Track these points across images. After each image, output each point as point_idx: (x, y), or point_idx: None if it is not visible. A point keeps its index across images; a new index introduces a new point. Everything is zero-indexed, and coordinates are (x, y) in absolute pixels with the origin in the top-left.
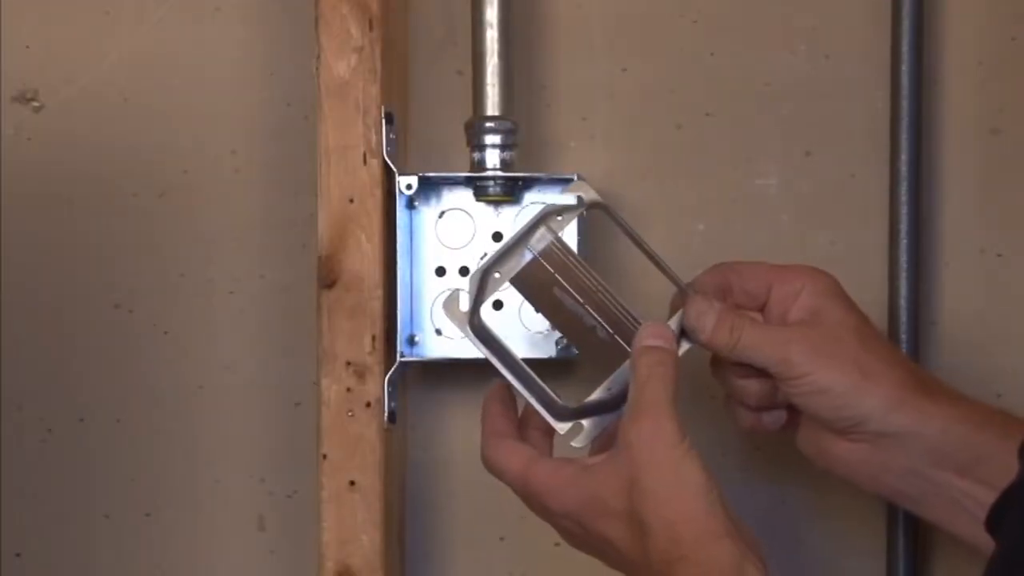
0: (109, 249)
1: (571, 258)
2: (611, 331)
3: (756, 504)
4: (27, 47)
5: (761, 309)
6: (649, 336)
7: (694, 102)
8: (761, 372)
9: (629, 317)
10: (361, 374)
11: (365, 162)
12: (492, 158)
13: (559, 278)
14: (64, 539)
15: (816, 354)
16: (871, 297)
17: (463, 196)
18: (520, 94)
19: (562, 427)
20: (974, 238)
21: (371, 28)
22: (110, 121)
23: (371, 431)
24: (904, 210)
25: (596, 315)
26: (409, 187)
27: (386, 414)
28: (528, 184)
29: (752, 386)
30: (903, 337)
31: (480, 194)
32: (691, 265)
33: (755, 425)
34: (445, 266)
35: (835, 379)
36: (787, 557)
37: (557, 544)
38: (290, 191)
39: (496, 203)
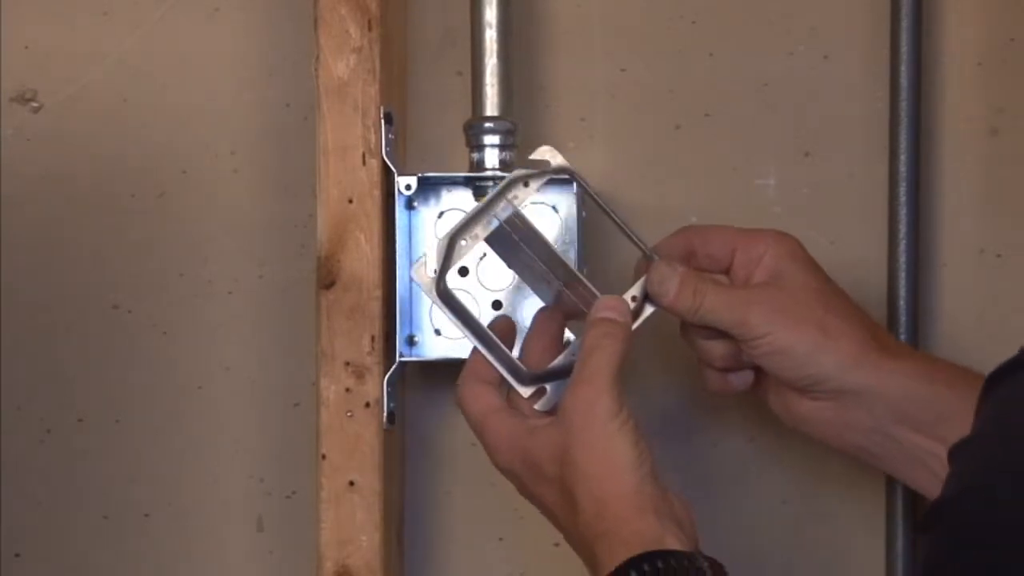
0: (108, 249)
1: (532, 229)
2: (575, 299)
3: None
4: (27, 47)
5: (726, 272)
6: (603, 308)
7: (693, 102)
8: (725, 334)
9: (589, 289)
10: (360, 374)
11: (364, 162)
12: (491, 158)
13: (524, 246)
14: (63, 539)
15: (776, 315)
16: (871, 297)
17: (462, 196)
18: (519, 94)
19: (526, 391)
20: (974, 238)
21: (370, 28)
22: (109, 121)
23: (370, 431)
24: (904, 210)
25: (561, 282)
26: (408, 187)
27: (385, 414)
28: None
29: (718, 348)
30: (903, 337)
31: (479, 194)
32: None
33: (723, 387)
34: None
35: (794, 339)
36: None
37: (557, 544)
38: (289, 191)
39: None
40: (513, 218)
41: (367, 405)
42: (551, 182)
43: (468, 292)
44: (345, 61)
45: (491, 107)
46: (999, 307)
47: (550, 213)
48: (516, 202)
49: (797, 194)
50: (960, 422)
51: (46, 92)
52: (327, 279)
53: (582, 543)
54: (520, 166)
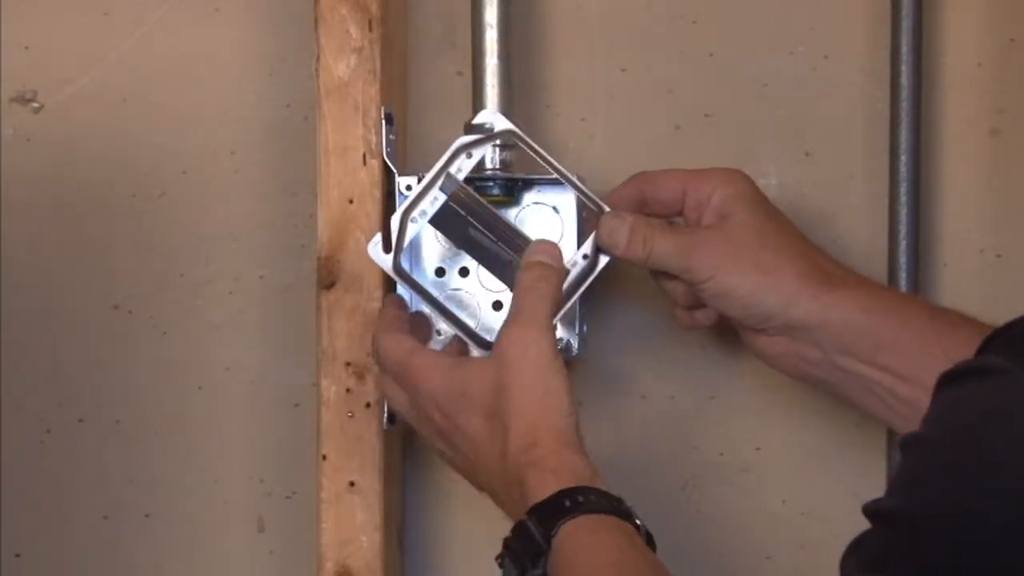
0: (108, 249)
1: (480, 202)
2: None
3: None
4: (27, 47)
5: (680, 214)
6: (537, 252)
7: (693, 103)
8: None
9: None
10: (361, 375)
11: (365, 163)
12: (491, 158)
13: (471, 219)
14: (64, 539)
15: (718, 259)
16: None
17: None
18: (520, 94)
19: (485, 355)
20: (974, 238)
21: (370, 29)
22: (109, 121)
23: (371, 432)
24: (904, 210)
25: (508, 249)
26: (409, 188)
27: (386, 415)
28: (527, 184)
29: (679, 288)
30: None
31: (480, 194)
32: None
33: (691, 323)
34: (445, 267)
35: (736, 281)
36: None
37: None
38: (290, 191)
39: (496, 203)
40: (459, 192)
41: (368, 405)
42: (552, 183)
43: (469, 292)
44: (346, 61)
45: (491, 107)
46: (999, 307)
47: (550, 213)
48: (460, 175)
49: (797, 194)
50: (900, 352)
51: (46, 92)
52: (328, 279)
53: (506, 474)
54: (520, 166)
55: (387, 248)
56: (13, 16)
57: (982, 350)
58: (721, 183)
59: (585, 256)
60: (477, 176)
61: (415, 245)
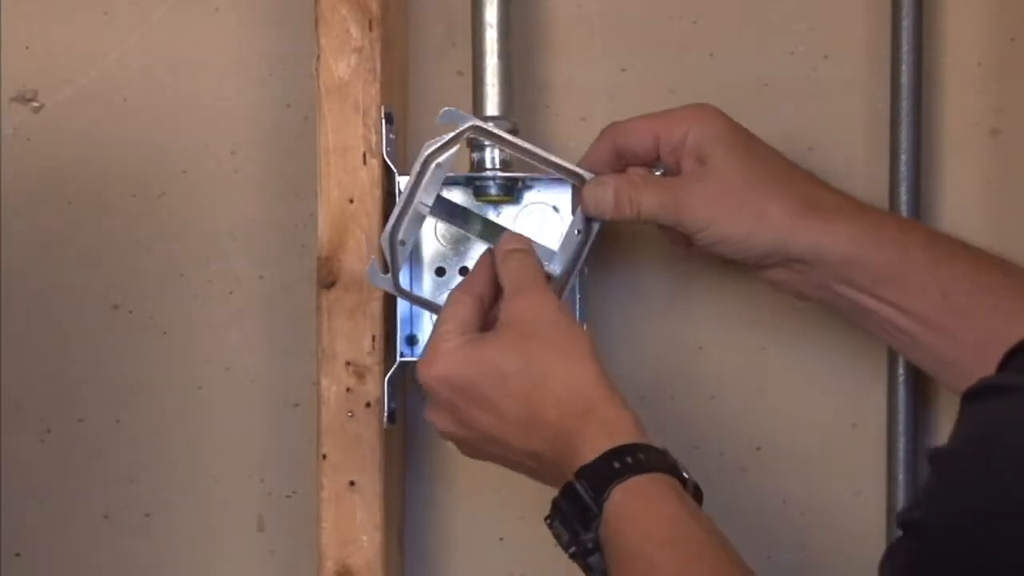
0: (108, 249)
1: (458, 207)
2: None
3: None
4: (27, 47)
5: (657, 161)
6: (507, 243)
7: (694, 102)
8: None
9: None
10: (361, 374)
11: (365, 162)
12: (491, 158)
13: (457, 226)
14: (64, 539)
15: (707, 209)
16: None
17: (463, 196)
18: (520, 94)
19: None
20: (974, 238)
21: (371, 28)
22: (110, 121)
23: (371, 431)
24: (904, 210)
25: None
26: None
27: (386, 414)
28: (528, 184)
29: (673, 231)
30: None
31: (480, 194)
32: (691, 265)
33: (690, 252)
34: (445, 266)
35: (729, 228)
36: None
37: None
38: (290, 191)
39: (496, 203)
40: (438, 206)
41: (368, 405)
42: (552, 182)
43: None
44: (346, 61)
45: (491, 107)
46: None
47: (550, 213)
48: (436, 186)
49: None
50: (897, 284)
51: (46, 92)
52: (328, 279)
53: (552, 427)
54: (520, 166)
55: (384, 269)
56: (13, 16)
57: (1003, 366)
58: (693, 123)
59: (578, 231)
60: (477, 176)
61: (415, 244)
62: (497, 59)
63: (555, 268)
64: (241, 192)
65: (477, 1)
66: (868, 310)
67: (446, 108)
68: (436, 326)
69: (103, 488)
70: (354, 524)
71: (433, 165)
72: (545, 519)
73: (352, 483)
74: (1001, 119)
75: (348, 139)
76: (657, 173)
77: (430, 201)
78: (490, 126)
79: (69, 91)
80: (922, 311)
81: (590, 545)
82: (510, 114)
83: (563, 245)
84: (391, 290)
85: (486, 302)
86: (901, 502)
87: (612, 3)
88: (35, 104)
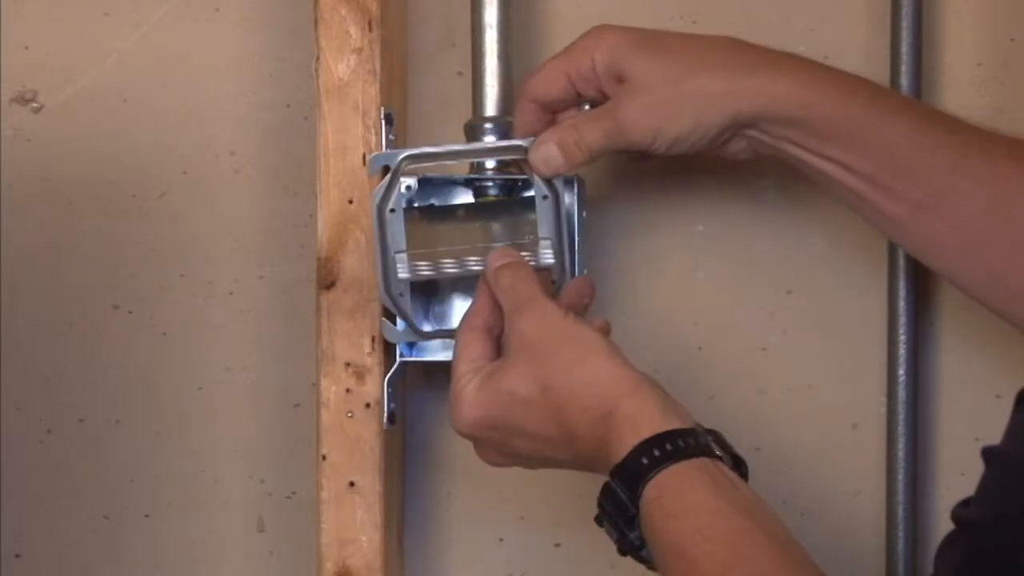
0: (108, 249)
1: (428, 229)
2: None
3: None
4: (27, 47)
5: (580, 99)
6: (496, 259)
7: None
8: None
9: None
10: (360, 375)
11: (365, 163)
12: (491, 159)
13: (430, 253)
14: (64, 539)
15: (648, 118)
16: (871, 297)
17: (463, 197)
18: (520, 94)
19: None
20: None
21: (370, 29)
22: (110, 121)
23: (370, 432)
24: None
25: (476, 261)
26: (409, 188)
27: (385, 415)
28: (527, 184)
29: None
30: (903, 337)
31: (480, 195)
32: (691, 266)
33: (652, 164)
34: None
35: (676, 128)
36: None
37: (557, 544)
38: (290, 192)
39: (496, 203)
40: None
41: (367, 406)
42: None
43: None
44: (346, 61)
45: (491, 107)
46: None
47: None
48: (400, 227)
49: (797, 195)
50: (843, 144)
51: (46, 92)
52: (327, 279)
53: (582, 439)
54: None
55: (393, 320)
56: (13, 16)
57: None
58: (594, 49)
59: (544, 196)
60: (477, 176)
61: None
62: (497, 59)
63: (548, 258)
64: (241, 192)
65: (477, 2)
66: (817, 169)
67: (373, 154)
68: (452, 371)
69: (102, 489)
70: (354, 525)
71: (387, 212)
72: (595, 519)
73: (352, 484)
74: (1001, 119)
75: (348, 140)
76: (585, 108)
77: (404, 244)
78: (422, 149)
79: (69, 91)
80: (865, 169)
81: (638, 542)
82: (510, 114)
83: (540, 218)
84: (416, 339)
85: (495, 327)
86: (901, 502)
87: (612, 3)
88: (35, 104)
